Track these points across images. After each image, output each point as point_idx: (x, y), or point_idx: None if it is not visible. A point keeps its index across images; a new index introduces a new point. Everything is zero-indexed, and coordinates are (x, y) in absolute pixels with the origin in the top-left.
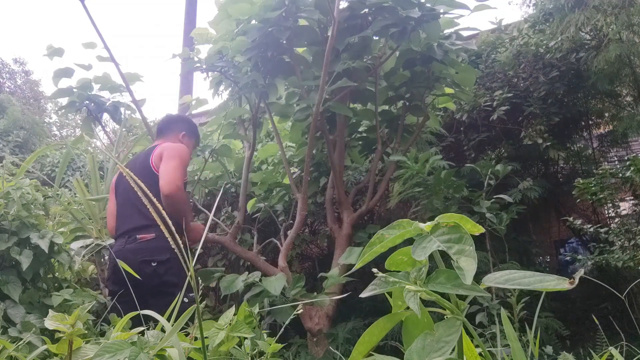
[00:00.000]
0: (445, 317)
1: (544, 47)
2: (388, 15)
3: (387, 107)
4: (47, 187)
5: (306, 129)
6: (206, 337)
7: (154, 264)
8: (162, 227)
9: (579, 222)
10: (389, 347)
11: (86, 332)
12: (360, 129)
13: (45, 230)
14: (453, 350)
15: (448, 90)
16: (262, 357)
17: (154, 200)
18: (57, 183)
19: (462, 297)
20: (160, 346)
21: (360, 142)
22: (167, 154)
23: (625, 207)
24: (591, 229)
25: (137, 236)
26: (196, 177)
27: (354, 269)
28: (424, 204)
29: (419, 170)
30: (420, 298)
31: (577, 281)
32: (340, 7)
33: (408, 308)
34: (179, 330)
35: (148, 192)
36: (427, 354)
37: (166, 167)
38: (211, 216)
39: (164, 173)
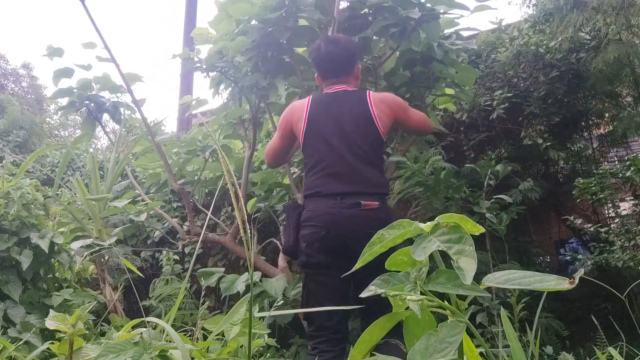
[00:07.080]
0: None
1: (544, 47)
2: (388, 15)
3: None
4: (47, 187)
5: None
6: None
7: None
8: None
9: (579, 222)
10: None
11: (87, 332)
12: None
13: (45, 230)
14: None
15: (448, 91)
16: (262, 357)
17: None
18: (56, 184)
19: (463, 297)
20: (163, 347)
21: None
22: (402, 104)
23: (625, 207)
24: (591, 229)
25: (362, 202)
26: (196, 177)
27: (354, 269)
28: (424, 204)
29: (418, 170)
30: None
31: (577, 281)
32: (340, 7)
33: (408, 308)
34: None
35: None
36: (430, 354)
37: (418, 115)
38: (209, 215)
39: (422, 120)
